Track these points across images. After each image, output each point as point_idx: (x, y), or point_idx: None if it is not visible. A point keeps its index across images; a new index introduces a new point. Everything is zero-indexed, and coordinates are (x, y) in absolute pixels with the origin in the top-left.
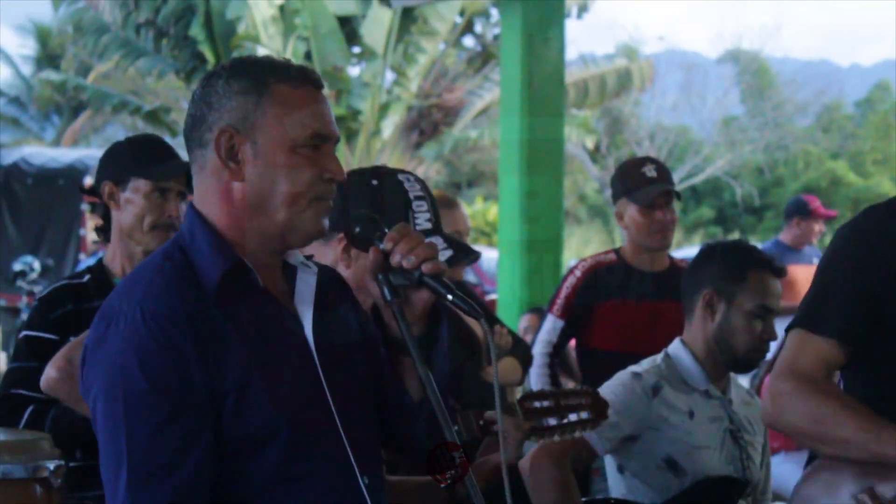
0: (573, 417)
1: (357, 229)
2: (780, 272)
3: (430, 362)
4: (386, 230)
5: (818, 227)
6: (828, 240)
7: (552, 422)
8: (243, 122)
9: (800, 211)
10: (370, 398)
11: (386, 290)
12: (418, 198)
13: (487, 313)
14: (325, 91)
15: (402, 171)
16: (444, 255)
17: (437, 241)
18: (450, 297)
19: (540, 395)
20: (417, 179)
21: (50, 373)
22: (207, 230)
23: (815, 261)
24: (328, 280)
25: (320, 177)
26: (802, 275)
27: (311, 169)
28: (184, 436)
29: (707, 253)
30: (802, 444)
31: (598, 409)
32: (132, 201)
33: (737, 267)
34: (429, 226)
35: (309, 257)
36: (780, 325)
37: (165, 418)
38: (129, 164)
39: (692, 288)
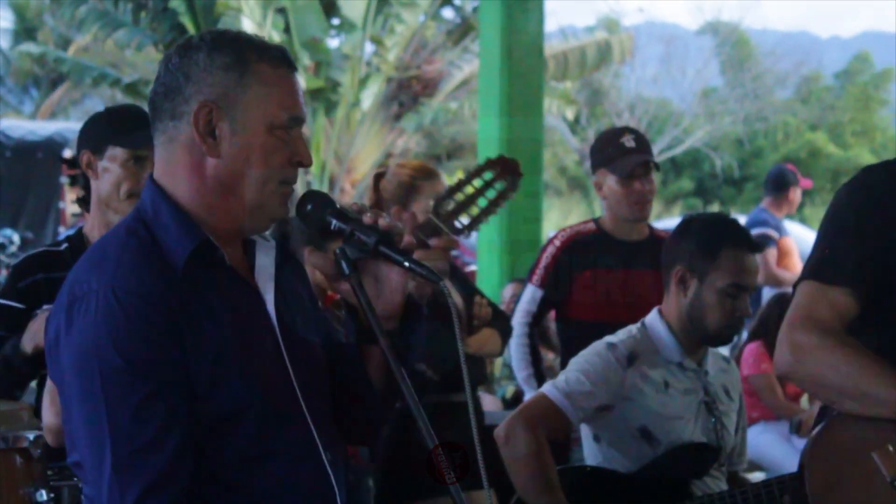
0: (492, 195)
1: (309, 207)
2: (757, 248)
3: (404, 352)
4: (338, 205)
5: (800, 196)
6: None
7: (475, 211)
8: (224, 97)
9: (792, 181)
10: (326, 377)
11: (343, 264)
12: None
13: (467, 284)
14: (305, 63)
15: None
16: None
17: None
18: (406, 263)
19: (450, 192)
20: None
21: (50, 422)
22: (171, 205)
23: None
24: (284, 255)
25: (290, 160)
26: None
27: (284, 151)
28: (165, 413)
29: (683, 227)
30: (821, 397)
31: (510, 170)
32: (109, 170)
33: (710, 244)
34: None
35: None
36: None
37: (145, 396)
38: (107, 132)
39: (668, 262)
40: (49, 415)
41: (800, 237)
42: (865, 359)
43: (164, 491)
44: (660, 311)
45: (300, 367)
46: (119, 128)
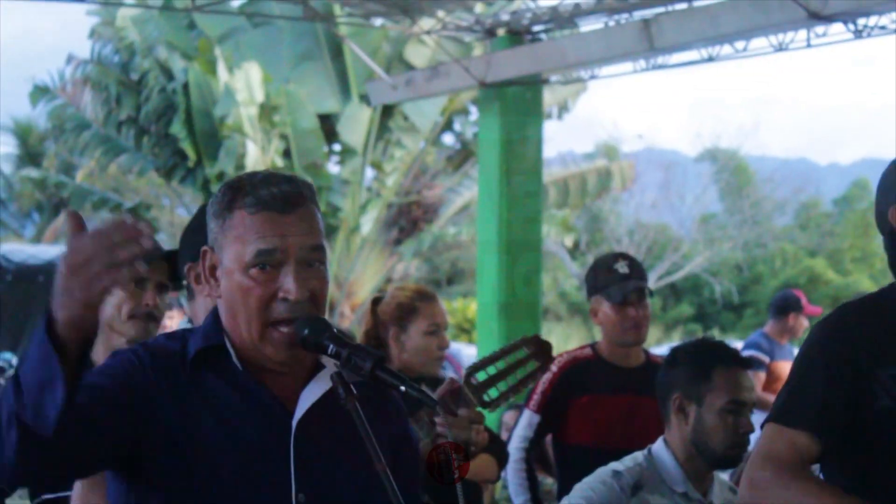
0: (522, 373)
1: (306, 332)
2: (747, 364)
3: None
4: (336, 331)
5: (806, 322)
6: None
7: (503, 387)
8: (215, 242)
9: (794, 307)
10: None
11: (340, 389)
12: None
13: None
14: (303, 210)
15: None
16: None
17: None
18: (402, 387)
19: (482, 364)
20: None
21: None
22: (211, 319)
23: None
24: (372, 393)
25: (274, 297)
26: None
27: (261, 289)
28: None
29: (672, 357)
30: None
31: (543, 351)
32: (112, 292)
33: (701, 367)
34: None
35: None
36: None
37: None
38: None
39: (663, 394)
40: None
41: None
42: (821, 490)
43: None
44: (665, 441)
45: (312, 490)
46: None
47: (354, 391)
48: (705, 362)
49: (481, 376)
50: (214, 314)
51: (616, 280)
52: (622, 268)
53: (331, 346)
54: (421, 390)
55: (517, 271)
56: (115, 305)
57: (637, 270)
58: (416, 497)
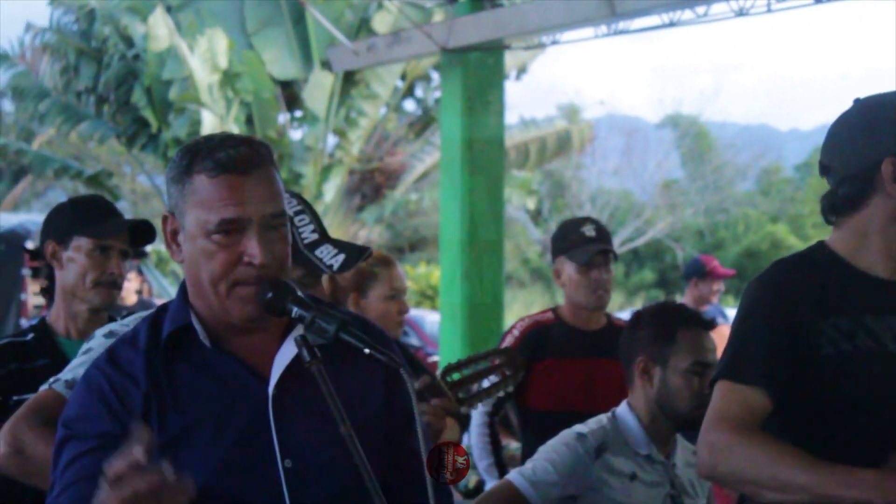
0: (494, 378)
1: (269, 294)
2: (710, 325)
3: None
4: (298, 293)
5: (716, 286)
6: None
7: (475, 388)
8: (176, 208)
9: (697, 272)
10: (346, 465)
11: (304, 351)
12: (298, 213)
13: (427, 374)
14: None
15: None
16: (338, 259)
17: (327, 248)
18: (367, 350)
19: (457, 365)
20: (293, 195)
21: None
22: (179, 293)
23: (720, 320)
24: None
25: (238, 260)
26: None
27: (226, 253)
28: (83, 468)
29: (635, 320)
30: (743, 492)
31: (515, 363)
32: (74, 259)
33: (665, 329)
34: (315, 237)
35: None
36: None
37: (72, 456)
38: (71, 222)
39: (627, 356)
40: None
41: None
42: (779, 449)
43: None
44: (629, 404)
45: (297, 454)
46: (84, 218)
47: (318, 354)
48: (669, 324)
49: (456, 376)
50: (182, 289)
51: (582, 242)
52: (589, 231)
53: (294, 309)
54: (385, 352)
55: (480, 237)
56: (78, 274)
57: (603, 234)
58: (415, 453)
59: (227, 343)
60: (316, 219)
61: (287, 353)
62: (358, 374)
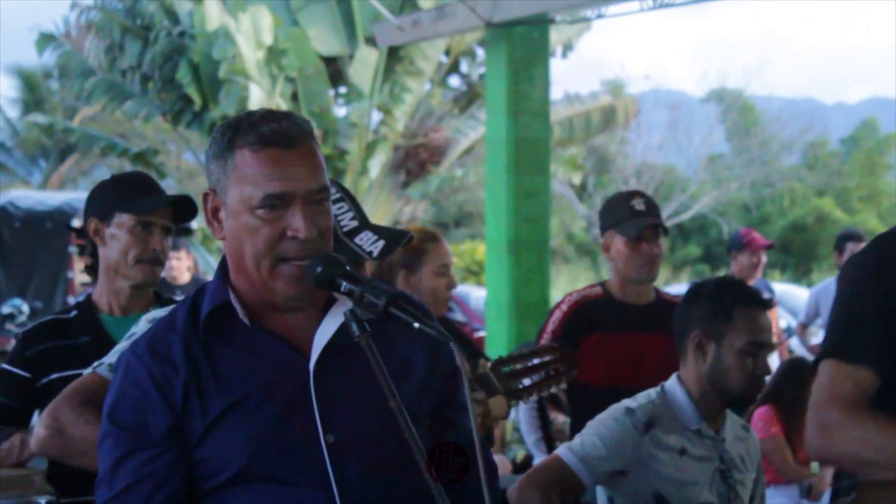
0: (546, 374)
1: (319, 269)
2: (768, 305)
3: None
4: (348, 269)
5: (756, 258)
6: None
7: (527, 382)
8: (218, 184)
9: (736, 245)
10: (389, 439)
11: (354, 325)
12: (337, 200)
13: (476, 350)
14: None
15: None
16: (378, 245)
17: (367, 234)
18: (416, 324)
19: (510, 359)
20: (333, 182)
21: (39, 432)
22: (218, 272)
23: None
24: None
25: (282, 235)
26: None
27: (269, 228)
28: (135, 469)
29: (693, 293)
30: (858, 470)
31: (569, 360)
32: (116, 236)
33: (723, 306)
34: (355, 224)
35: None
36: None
37: (122, 454)
38: (114, 199)
39: (682, 330)
40: (39, 424)
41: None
42: (893, 427)
43: None
44: (679, 378)
45: (339, 429)
46: (126, 194)
47: (368, 328)
48: (727, 301)
49: (506, 369)
50: (221, 266)
51: (631, 216)
52: (638, 204)
53: (344, 284)
54: (436, 327)
55: (526, 212)
56: (120, 250)
57: (652, 208)
58: (458, 423)
59: (267, 321)
60: (355, 205)
61: (327, 329)
62: (399, 349)
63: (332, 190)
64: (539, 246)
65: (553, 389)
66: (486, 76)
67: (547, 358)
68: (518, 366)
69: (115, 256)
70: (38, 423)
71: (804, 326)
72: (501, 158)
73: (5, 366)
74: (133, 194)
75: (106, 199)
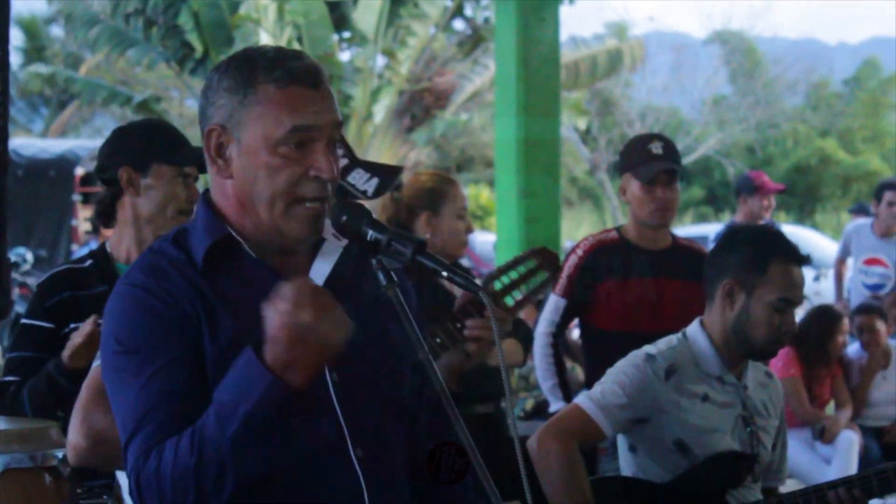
0: (534, 283)
1: (344, 218)
2: (804, 260)
3: None
4: (374, 216)
5: (766, 202)
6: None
7: (517, 295)
8: (230, 119)
9: (746, 188)
10: (388, 376)
11: (381, 275)
12: None
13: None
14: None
15: None
16: (372, 183)
17: (359, 172)
18: (445, 273)
19: (497, 273)
20: None
21: (78, 443)
22: (207, 211)
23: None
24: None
25: (304, 175)
26: None
27: (292, 167)
28: (162, 391)
29: (730, 239)
30: None
31: (551, 262)
32: (154, 187)
33: (759, 257)
34: (346, 162)
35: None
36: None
37: (148, 377)
38: (152, 149)
39: (713, 274)
40: (76, 434)
41: (811, 242)
42: None
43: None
44: (701, 323)
45: (343, 367)
46: (163, 144)
47: (395, 279)
48: (765, 252)
49: (497, 285)
50: (206, 204)
51: (648, 159)
52: (655, 148)
53: (370, 232)
54: (464, 276)
55: (535, 156)
56: (159, 202)
57: (670, 152)
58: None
59: (265, 261)
60: (344, 142)
61: (320, 270)
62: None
63: None
64: (549, 190)
65: (542, 294)
66: (496, 19)
67: (530, 265)
68: (505, 279)
69: (152, 208)
70: (73, 432)
71: (842, 261)
72: (511, 101)
73: (26, 320)
74: (170, 145)
75: (143, 148)
